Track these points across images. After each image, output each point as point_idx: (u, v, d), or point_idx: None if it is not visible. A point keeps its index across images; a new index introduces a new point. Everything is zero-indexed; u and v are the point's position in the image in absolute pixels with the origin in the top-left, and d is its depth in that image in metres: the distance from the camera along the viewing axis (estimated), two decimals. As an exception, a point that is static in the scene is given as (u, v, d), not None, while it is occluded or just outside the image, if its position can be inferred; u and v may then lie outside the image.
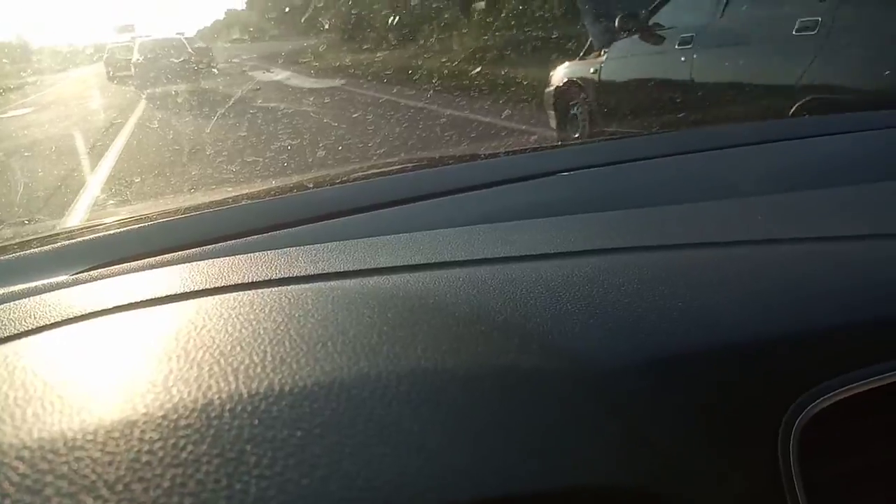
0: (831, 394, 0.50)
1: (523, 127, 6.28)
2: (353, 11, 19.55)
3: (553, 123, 5.06)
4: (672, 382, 0.50)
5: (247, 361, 0.46)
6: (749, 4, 3.78)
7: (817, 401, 0.50)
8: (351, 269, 0.69)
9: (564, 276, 0.62)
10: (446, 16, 15.47)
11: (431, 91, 9.58)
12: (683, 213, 0.87)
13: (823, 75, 3.16)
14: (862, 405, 0.50)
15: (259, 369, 0.45)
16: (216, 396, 0.42)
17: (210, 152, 5.67)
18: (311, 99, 10.15)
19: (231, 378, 0.44)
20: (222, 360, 0.47)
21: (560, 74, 5.16)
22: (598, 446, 0.44)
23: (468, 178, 1.22)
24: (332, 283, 0.64)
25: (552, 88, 5.19)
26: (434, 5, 16.96)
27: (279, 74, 15.71)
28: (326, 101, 9.77)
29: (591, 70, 4.79)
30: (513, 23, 11.66)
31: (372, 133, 6.12)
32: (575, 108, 4.97)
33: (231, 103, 9.88)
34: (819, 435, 0.48)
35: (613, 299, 0.58)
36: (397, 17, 17.24)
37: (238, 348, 0.49)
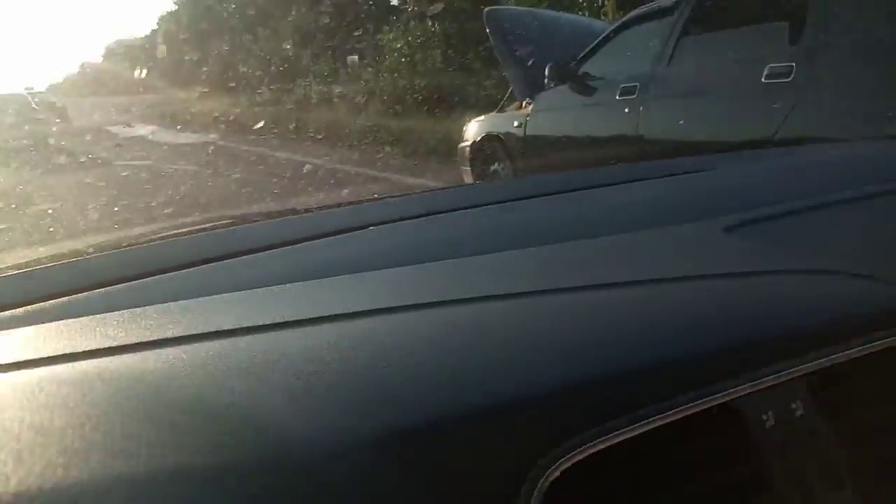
0: (575, 452, 0.48)
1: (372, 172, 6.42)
2: (220, 64, 18.88)
3: (469, 180, 4.72)
4: (400, 456, 0.47)
5: None
6: (702, 49, 3.23)
7: (560, 461, 0.48)
8: (91, 347, 0.63)
9: (285, 350, 0.59)
10: (323, 69, 14.87)
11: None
12: (475, 265, 0.83)
13: (805, 128, 2.81)
14: (609, 460, 0.48)
15: None
16: None
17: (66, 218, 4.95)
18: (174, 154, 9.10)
19: None
20: None
21: (476, 128, 4.82)
22: None
23: (274, 236, 1.09)
24: (39, 371, 0.58)
25: (468, 143, 4.83)
26: (308, 58, 16.08)
27: (142, 129, 14.37)
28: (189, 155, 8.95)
29: (515, 124, 4.44)
30: (391, 74, 11.60)
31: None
32: (496, 166, 4.60)
33: (88, 161, 8.73)
34: (567, 495, 0.46)
35: (338, 372, 0.54)
36: (269, 69, 16.47)
37: None
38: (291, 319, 0.65)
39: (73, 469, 0.42)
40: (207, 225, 1.30)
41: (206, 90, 17.91)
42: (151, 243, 1.20)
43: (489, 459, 0.48)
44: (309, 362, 0.55)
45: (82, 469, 0.42)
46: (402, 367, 0.55)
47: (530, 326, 0.61)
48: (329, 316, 0.66)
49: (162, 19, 36.88)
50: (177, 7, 31.86)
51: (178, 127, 14.10)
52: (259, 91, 16.83)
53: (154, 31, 42.37)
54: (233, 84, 17.19)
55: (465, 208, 1.21)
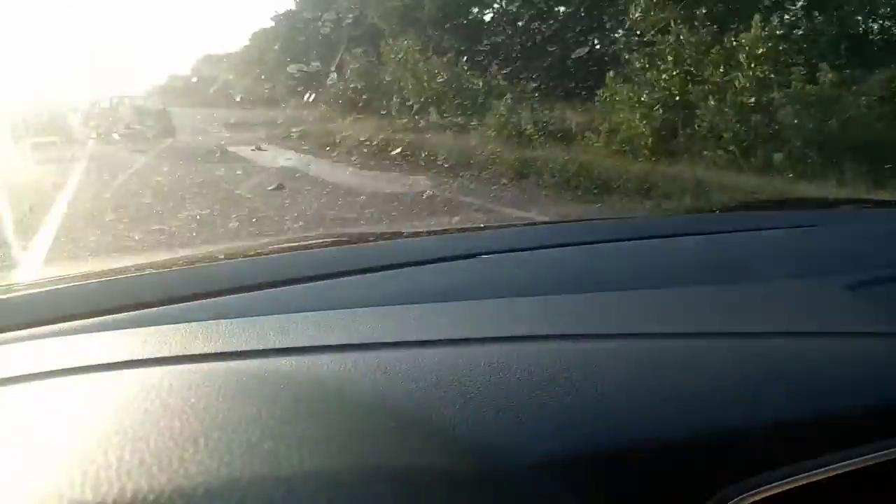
0: (745, 495, 0.48)
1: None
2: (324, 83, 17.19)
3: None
4: (584, 481, 0.47)
5: (100, 461, 0.41)
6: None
7: (733, 500, 0.47)
8: (249, 348, 0.64)
9: (472, 365, 0.58)
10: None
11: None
12: (598, 302, 0.84)
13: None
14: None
15: (112, 472, 0.40)
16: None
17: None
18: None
19: (79, 482, 0.39)
20: (72, 460, 0.42)
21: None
22: None
23: (390, 257, 1.14)
24: (226, 365, 0.59)
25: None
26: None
27: (277, 154, 11.97)
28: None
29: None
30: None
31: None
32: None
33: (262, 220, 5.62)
34: None
35: (521, 392, 0.54)
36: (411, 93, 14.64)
37: (95, 444, 0.43)
38: (466, 337, 0.67)
39: (259, 464, 0.41)
40: (327, 240, 1.40)
41: (327, 110, 16.16)
42: (282, 253, 1.25)
43: (667, 491, 0.48)
44: (499, 378, 0.55)
45: (268, 464, 0.42)
46: (594, 391, 0.55)
47: (718, 365, 0.62)
48: (507, 337, 0.67)
49: (255, 36, 34.98)
50: (273, 24, 30.03)
51: (334, 155, 11.44)
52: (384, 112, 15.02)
53: (247, 48, 37.98)
54: (349, 104, 15.50)
55: (567, 245, 1.23)
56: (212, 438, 0.43)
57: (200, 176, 7.52)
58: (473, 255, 1.13)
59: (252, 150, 11.78)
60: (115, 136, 13.76)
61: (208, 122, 17.21)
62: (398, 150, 10.09)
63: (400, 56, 14.71)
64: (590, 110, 9.78)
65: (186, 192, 6.38)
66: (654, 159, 7.62)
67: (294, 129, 13.46)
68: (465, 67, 13.46)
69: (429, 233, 1.55)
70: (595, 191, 6.83)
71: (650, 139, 7.82)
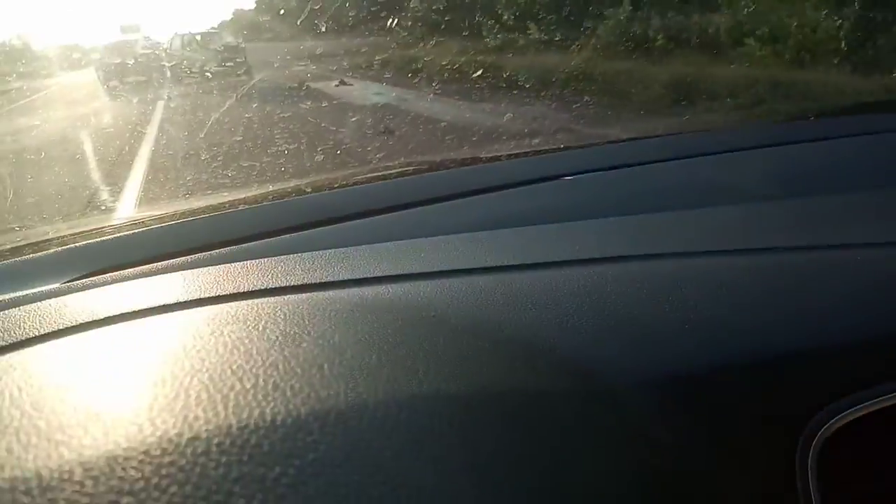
0: (850, 410, 0.47)
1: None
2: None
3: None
4: (688, 400, 0.48)
5: (237, 387, 0.42)
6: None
7: (836, 417, 0.47)
8: (348, 278, 0.65)
9: (570, 287, 0.59)
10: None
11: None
12: (691, 219, 0.84)
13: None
14: (884, 422, 0.47)
15: (250, 397, 0.41)
16: (203, 429, 0.38)
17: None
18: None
19: (220, 407, 0.40)
20: (211, 387, 0.42)
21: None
22: (613, 473, 0.42)
23: (470, 183, 1.16)
24: (329, 294, 0.61)
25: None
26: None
27: (366, 88, 10.67)
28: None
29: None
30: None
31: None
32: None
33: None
34: (839, 451, 0.46)
35: (622, 312, 0.55)
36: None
37: (228, 371, 0.44)
38: (556, 260, 0.65)
39: (383, 388, 0.42)
40: (409, 168, 1.33)
41: (406, 36, 13.89)
42: (368, 183, 1.24)
43: (772, 408, 0.48)
44: (594, 300, 0.55)
45: (391, 388, 0.42)
46: (694, 312, 0.54)
47: (817, 279, 0.60)
48: (599, 258, 0.65)
49: None
50: None
51: (435, 84, 9.93)
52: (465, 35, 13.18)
53: None
54: (430, 30, 13.47)
55: (650, 163, 1.17)
56: (334, 364, 0.44)
57: (279, 123, 6.42)
58: (556, 178, 1.13)
59: (336, 85, 10.78)
60: (188, 77, 12.58)
61: (282, 55, 16.12)
62: (499, 75, 8.85)
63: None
64: (736, 13, 7.83)
65: (261, 150, 5.03)
66: (850, 69, 5.78)
67: (377, 58, 12.26)
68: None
69: (508, 156, 1.47)
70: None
71: (843, 43, 5.98)
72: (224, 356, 0.46)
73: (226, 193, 2.48)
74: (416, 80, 10.56)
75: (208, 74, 11.55)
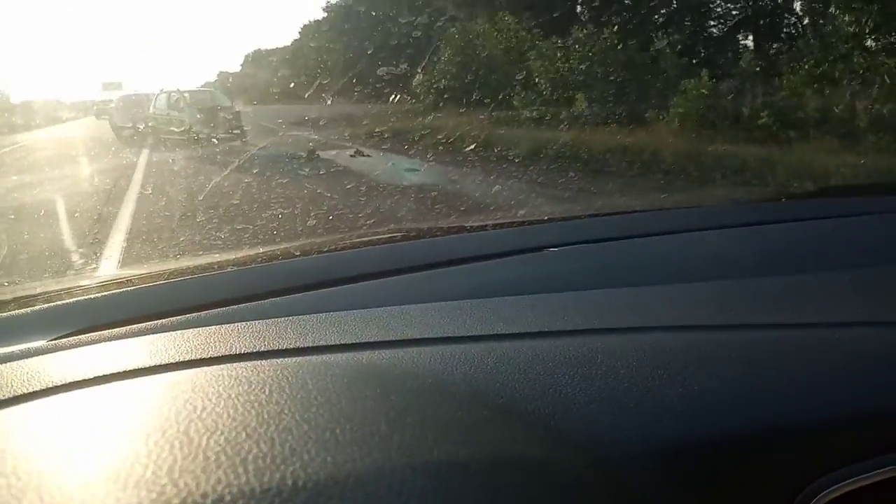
0: (844, 483, 0.49)
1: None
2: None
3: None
4: (679, 471, 0.50)
5: (255, 451, 0.43)
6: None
7: (829, 489, 0.49)
8: (341, 342, 0.68)
9: (560, 357, 0.61)
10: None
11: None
12: (678, 293, 0.87)
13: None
14: (877, 494, 0.50)
15: (269, 461, 0.42)
16: (227, 492, 0.39)
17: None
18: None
19: (241, 470, 0.41)
20: (229, 449, 0.43)
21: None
22: None
23: (456, 251, 1.19)
24: (325, 358, 0.63)
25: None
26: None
27: (388, 160, 8.69)
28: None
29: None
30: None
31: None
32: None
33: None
34: None
35: (612, 383, 0.57)
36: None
37: (244, 434, 0.45)
38: (546, 330, 0.69)
39: (396, 454, 0.44)
40: (396, 235, 1.38)
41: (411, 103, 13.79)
42: (356, 248, 1.32)
43: (764, 479, 0.50)
44: (586, 371, 0.58)
45: (389, 455, 0.44)
46: (683, 386, 0.57)
47: (810, 356, 0.63)
48: (586, 329, 0.69)
49: (306, 29, 32.63)
50: (326, 14, 28.54)
51: (463, 159, 8.36)
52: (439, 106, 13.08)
53: (296, 41, 35.43)
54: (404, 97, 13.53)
55: (635, 236, 1.23)
56: (346, 430, 0.46)
57: (299, 218, 5.00)
58: (540, 249, 1.15)
59: (351, 155, 9.16)
60: (174, 139, 10.48)
61: (276, 120, 15.10)
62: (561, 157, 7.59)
63: (514, 35, 11.14)
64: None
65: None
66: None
67: (382, 126, 11.25)
68: (614, 41, 10.68)
69: (494, 225, 1.50)
70: None
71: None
72: (236, 419, 0.47)
73: (215, 254, 2.31)
74: (449, 153, 8.57)
75: (199, 140, 9.49)
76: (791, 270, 0.94)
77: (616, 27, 10.87)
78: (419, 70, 14.64)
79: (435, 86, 13.54)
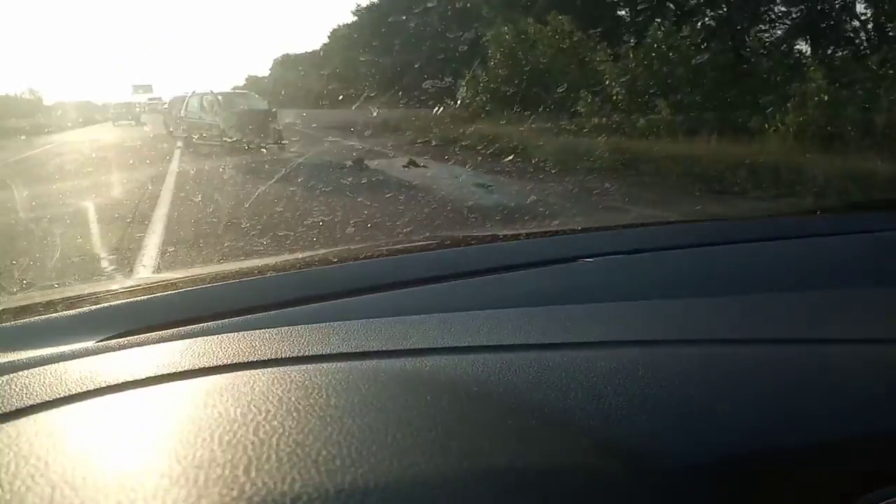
0: (887, 501, 0.49)
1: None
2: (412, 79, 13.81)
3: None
4: (726, 484, 0.50)
5: (324, 453, 0.45)
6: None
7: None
8: (384, 349, 0.70)
9: (601, 368, 0.62)
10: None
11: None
12: (715, 306, 0.87)
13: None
14: None
15: (338, 462, 0.44)
16: (304, 491, 0.40)
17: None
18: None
19: (313, 471, 0.42)
20: (299, 451, 0.45)
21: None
22: None
23: (491, 260, 1.19)
24: (372, 364, 0.65)
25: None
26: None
27: (448, 172, 7.58)
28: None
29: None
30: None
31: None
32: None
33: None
34: None
35: (656, 395, 0.57)
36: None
37: (310, 436, 0.47)
38: (585, 341, 0.70)
39: (443, 461, 0.45)
40: (431, 243, 1.43)
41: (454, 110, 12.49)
42: (392, 256, 1.31)
43: (813, 493, 0.50)
44: (627, 382, 0.58)
45: (449, 462, 0.45)
46: (723, 399, 0.57)
47: (858, 370, 0.63)
48: (622, 341, 0.70)
49: (335, 33, 32.34)
50: (356, 18, 28.64)
51: (535, 173, 7.14)
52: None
53: (326, 45, 34.63)
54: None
55: (667, 248, 1.24)
56: (406, 435, 0.47)
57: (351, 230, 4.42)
58: (574, 259, 1.16)
59: (404, 166, 8.11)
60: (205, 144, 9.27)
61: (312, 126, 14.45)
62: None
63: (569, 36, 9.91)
64: None
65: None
66: None
67: (429, 134, 10.61)
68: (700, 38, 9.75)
69: (527, 235, 1.49)
70: None
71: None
72: (301, 421, 0.49)
73: (255, 259, 2.31)
74: (515, 166, 7.39)
75: (235, 146, 8.44)
76: (835, 285, 0.94)
77: (702, 23, 9.62)
78: (462, 81, 13.53)
79: (482, 91, 12.41)
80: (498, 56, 12.56)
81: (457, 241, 1.50)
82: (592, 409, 0.53)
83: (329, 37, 32.58)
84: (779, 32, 10.39)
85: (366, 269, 1.18)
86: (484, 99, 12.50)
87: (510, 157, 8.27)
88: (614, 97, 9.73)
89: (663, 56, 9.27)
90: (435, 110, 12.17)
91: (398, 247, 1.38)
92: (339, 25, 32.58)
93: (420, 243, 1.40)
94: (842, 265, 1.08)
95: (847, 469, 0.50)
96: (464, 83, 13.80)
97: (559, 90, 10.67)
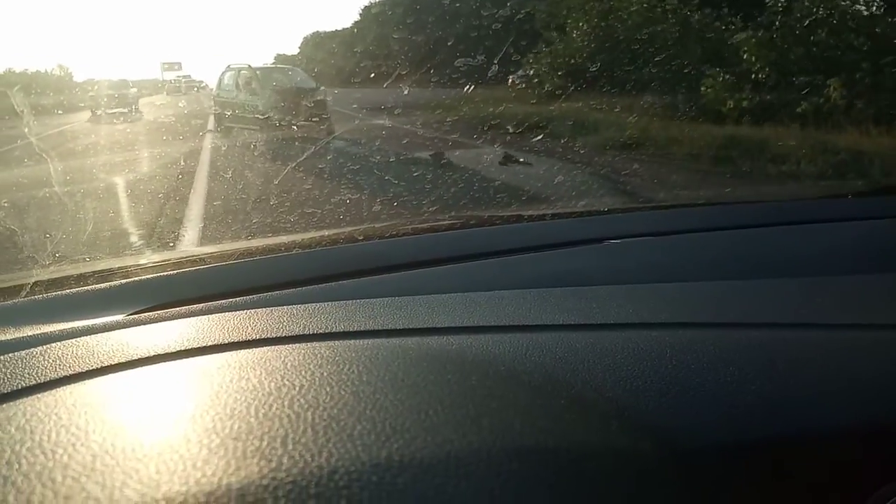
0: None
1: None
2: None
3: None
4: (755, 466, 0.51)
5: (359, 427, 0.45)
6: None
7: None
8: (412, 326, 0.71)
9: (628, 349, 0.63)
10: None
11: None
12: (743, 289, 0.85)
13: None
14: None
15: (374, 437, 0.44)
16: (340, 465, 0.40)
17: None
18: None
19: (349, 445, 0.43)
20: (334, 424, 0.45)
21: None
22: None
23: (516, 241, 1.20)
24: (400, 341, 0.67)
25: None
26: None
27: (565, 173, 5.80)
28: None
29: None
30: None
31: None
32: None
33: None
34: None
35: (684, 377, 0.58)
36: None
37: (344, 411, 0.47)
38: (612, 322, 0.71)
39: (476, 438, 0.45)
40: (457, 222, 1.38)
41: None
42: (418, 235, 1.32)
43: (841, 477, 0.51)
44: (657, 366, 0.59)
45: (482, 439, 0.45)
46: (764, 380, 0.58)
47: (884, 359, 0.63)
48: (649, 323, 0.70)
49: (367, 10, 30.68)
50: None
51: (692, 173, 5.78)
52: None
53: (357, 23, 33.18)
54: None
55: (692, 231, 1.21)
56: (438, 411, 0.48)
57: None
58: (601, 240, 1.14)
59: (501, 163, 6.06)
60: (247, 129, 8.41)
61: (347, 105, 12.25)
62: None
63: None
64: None
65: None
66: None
67: (495, 119, 8.08)
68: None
69: (553, 216, 1.50)
70: None
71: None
72: (334, 396, 0.50)
73: (282, 236, 2.17)
74: (645, 163, 6.24)
75: (278, 129, 6.45)
76: (864, 269, 0.91)
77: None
78: (530, 54, 11.47)
79: (561, 67, 10.35)
80: (581, 27, 10.57)
81: (482, 220, 1.45)
82: (620, 390, 0.54)
83: (361, 14, 31.12)
84: None
85: (391, 248, 1.17)
86: (563, 77, 10.54)
87: (640, 153, 6.29)
88: (756, 76, 7.69)
89: (832, 24, 7.23)
90: (490, 90, 10.33)
91: (423, 226, 1.34)
92: (372, 2, 30.88)
93: (446, 222, 1.35)
94: (874, 249, 1.05)
95: (877, 457, 0.51)
96: (531, 59, 11.87)
97: (668, 67, 8.68)
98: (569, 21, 11.90)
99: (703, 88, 8.43)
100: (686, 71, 9.28)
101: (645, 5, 10.98)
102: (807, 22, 7.83)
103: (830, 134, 6.64)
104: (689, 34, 9.86)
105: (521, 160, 6.93)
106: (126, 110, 13.66)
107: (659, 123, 7.76)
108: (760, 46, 8.17)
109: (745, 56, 8.37)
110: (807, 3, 8.06)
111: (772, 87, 7.92)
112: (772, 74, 8.02)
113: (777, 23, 8.27)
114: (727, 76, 8.29)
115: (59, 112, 14.98)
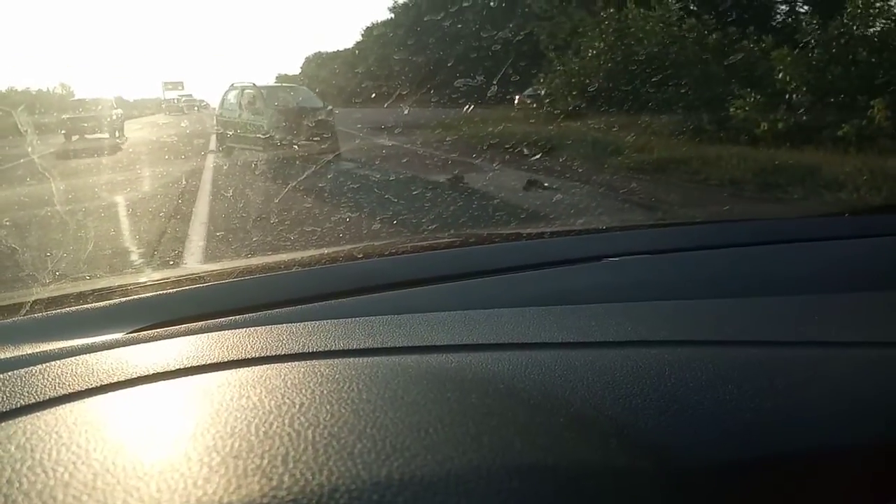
0: None
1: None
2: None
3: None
4: (754, 485, 0.51)
5: (359, 445, 0.46)
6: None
7: None
8: (411, 344, 0.72)
9: (627, 367, 0.63)
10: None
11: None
12: (745, 307, 0.86)
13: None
14: None
15: (374, 455, 0.45)
16: (340, 483, 0.41)
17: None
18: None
19: (350, 463, 0.43)
20: (335, 442, 0.46)
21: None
22: None
23: (515, 258, 1.20)
24: (398, 359, 0.67)
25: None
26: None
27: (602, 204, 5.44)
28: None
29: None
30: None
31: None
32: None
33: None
34: None
35: (682, 395, 0.58)
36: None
37: (344, 429, 0.48)
38: (611, 340, 0.71)
39: (476, 456, 0.45)
40: (456, 241, 1.43)
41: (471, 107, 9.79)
42: (417, 253, 1.31)
43: (840, 496, 0.52)
44: (656, 384, 0.59)
45: (482, 457, 0.45)
46: (763, 399, 0.58)
47: (883, 377, 0.63)
48: (646, 341, 0.70)
49: (369, 31, 31.31)
50: (392, 16, 28.65)
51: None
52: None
53: (359, 43, 35.63)
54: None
55: (691, 249, 1.22)
56: (437, 430, 0.48)
57: None
58: (599, 258, 1.14)
59: (525, 189, 5.70)
60: (245, 150, 8.17)
61: (351, 125, 11.79)
62: None
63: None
64: None
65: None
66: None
67: (507, 141, 7.73)
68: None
69: (551, 234, 1.47)
70: None
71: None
72: (334, 414, 0.50)
73: (281, 254, 2.23)
74: (686, 190, 5.83)
75: (283, 152, 6.05)
76: (863, 287, 0.90)
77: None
78: (541, 74, 11.15)
79: (576, 87, 9.96)
80: (596, 46, 10.22)
81: (481, 238, 1.48)
82: (619, 407, 0.55)
83: (363, 34, 31.34)
84: None
85: (391, 266, 1.17)
86: (572, 97, 10.16)
87: (672, 176, 5.81)
88: (790, 96, 7.27)
89: (873, 43, 6.81)
90: (494, 110, 10.00)
91: (423, 244, 1.34)
92: (374, 23, 30.92)
93: (445, 240, 1.37)
94: (871, 267, 1.04)
95: (877, 475, 0.51)
96: (542, 78, 11.55)
97: (690, 87, 8.27)
98: (583, 40, 11.79)
99: (732, 109, 8.00)
100: (712, 91, 8.86)
101: (661, 25, 10.83)
102: (844, 40, 7.48)
103: (879, 157, 6.07)
104: (712, 53, 9.52)
105: (545, 184, 6.58)
106: (106, 136, 12.20)
107: (688, 145, 7.50)
108: (797, 65, 7.73)
109: (779, 76, 7.90)
110: (846, 21, 7.68)
111: (808, 108, 7.56)
112: (808, 94, 7.61)
113: (813, 41, 7.83)
114: (758, 96, 7.78)
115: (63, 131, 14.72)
